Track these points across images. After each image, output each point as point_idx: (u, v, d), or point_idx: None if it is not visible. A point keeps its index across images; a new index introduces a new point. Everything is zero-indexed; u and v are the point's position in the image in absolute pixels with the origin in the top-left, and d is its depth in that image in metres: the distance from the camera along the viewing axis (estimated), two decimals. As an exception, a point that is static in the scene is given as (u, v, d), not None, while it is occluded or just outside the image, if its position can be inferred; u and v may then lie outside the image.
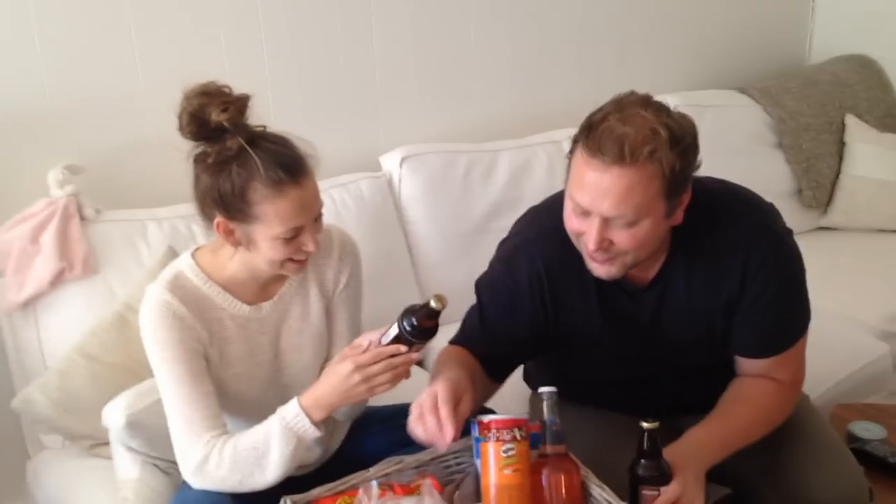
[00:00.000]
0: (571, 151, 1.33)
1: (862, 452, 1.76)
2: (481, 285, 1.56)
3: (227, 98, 1.38)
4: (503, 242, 1.56)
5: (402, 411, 1.62)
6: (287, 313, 1.58)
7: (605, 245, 1.31)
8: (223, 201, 1.39)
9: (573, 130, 1.33)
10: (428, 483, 1.21)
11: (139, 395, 1.63)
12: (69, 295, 1.87)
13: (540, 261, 1.47)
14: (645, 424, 1.30)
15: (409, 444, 1.54)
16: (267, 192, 1.36)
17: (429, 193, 2.31)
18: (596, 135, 1.24)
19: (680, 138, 1.24)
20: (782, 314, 1.46)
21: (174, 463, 1.64)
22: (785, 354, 1.50)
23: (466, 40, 2.57)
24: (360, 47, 2.40)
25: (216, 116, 1.35)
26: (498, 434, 1.28)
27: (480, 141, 2.50)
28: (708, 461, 1.40)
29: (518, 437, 1.29)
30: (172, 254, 1.89)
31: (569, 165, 1.34)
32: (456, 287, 1.86)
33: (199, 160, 1.40)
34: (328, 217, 2.12)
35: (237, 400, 1.55)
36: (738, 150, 2.86)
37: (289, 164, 1.37)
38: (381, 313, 2.16)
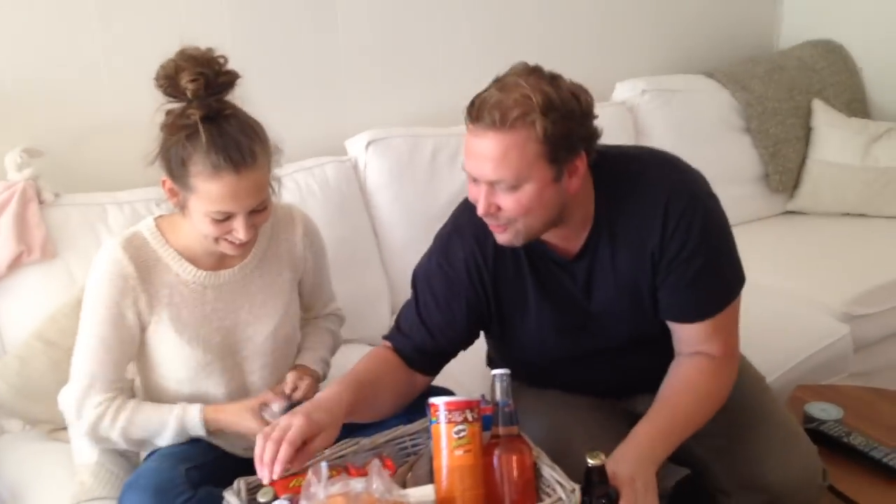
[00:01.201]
0: None
1: (818, 433, 1.79)
2: (417, 276, 1.58)
3: (204, 69, 1.40)
4: (438, 233, 1.58)
5: None
6: (249, 284, 1.60)
7: (492, 210, 1.36)
8: (169, 162, 1.43)
9: None
10: (377, 463, 1.21)
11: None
12: (28, 279, 1.86)
13: (474, 243, 1.50)
14: (590, 461, 1.28)
15: (369, 427, 1.57)
16: (204, 170, 1.39)
17: (394, 178, 2.30)
18: (476, 105, 1.31)
19: (557, 105, 1.28)
20: (704, 274, 1.45)
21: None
22: (715, 322, 1.48)
23: (433, 23, 2.56)
24: (326, 28, 2.38)
25: (184, 82, 1.38)
26: (449, 416, 1.29)
27: (449, 125, 2.49)
28: (656, 459, 1.40)
29: (470, 418, 1.29)
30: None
31: None
32: None
33: (165, 115, 1.44)
34: (294, 200, 2.14)
35: (195, 364, 1.57)
36: (705, 134, 2.87)
37: (232, 152, 1.38)
38: (347, 299, 2.19)
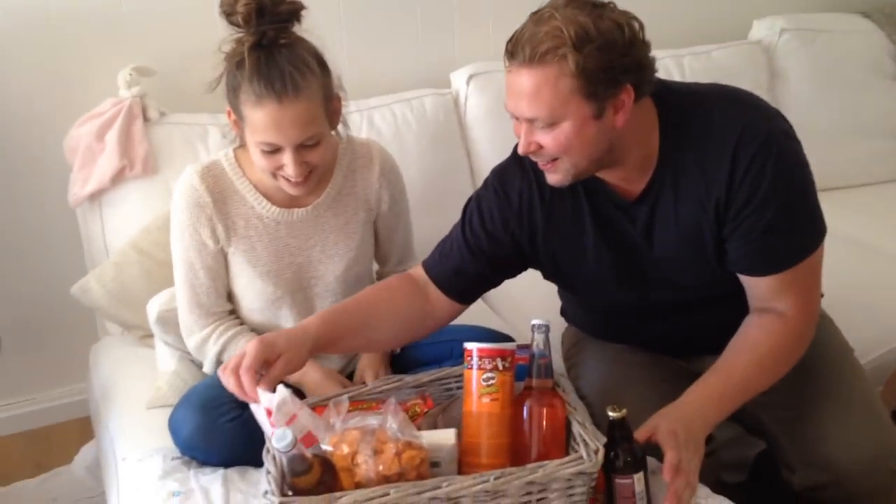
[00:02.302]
0: None
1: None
2: (470, 200, 1.54)
3: (258, 6, 1.37)
4: (499, 163, 1.53)
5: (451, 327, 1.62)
6: (324, 223, 1.61)
7: (533, 148, 1.31)
8: (228, 93, 1.45)
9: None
10: (392, 402, 1.21)
11: (174, 294, 1.71)
12: (130, 192, 1.97)
13: (533, 177, 1.44)
14: (611, 414, 1.23)
15: (425, 364, 1.58)
16: (248, 98, 1.40)
17: (494, 113, 2.24)
18: (513, 39, 1.26)
19: (594, 36, 1.20)
20: (777, 225, 1.33)
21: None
22: (789, 276, 1.36)
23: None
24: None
25: (239, 6, 1.38)
26: (480, 362, 1.27)
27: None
28: (706, 421, 1.32)
29: (500, 367, 1.26)
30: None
31: None
32: None
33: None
34: (389, 131, 2.14)
35: (266, 297, 1.61)
36: (852, 81, 2.62)
37: (275, 81, 1.37)
38: (437, 233, 2.17)
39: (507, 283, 2.15)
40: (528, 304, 1.89)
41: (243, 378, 1.24)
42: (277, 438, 1.09)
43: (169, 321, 1.69)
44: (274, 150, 1.42)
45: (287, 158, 1.42)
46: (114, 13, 2.05)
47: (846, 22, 2.72)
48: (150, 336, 1.87)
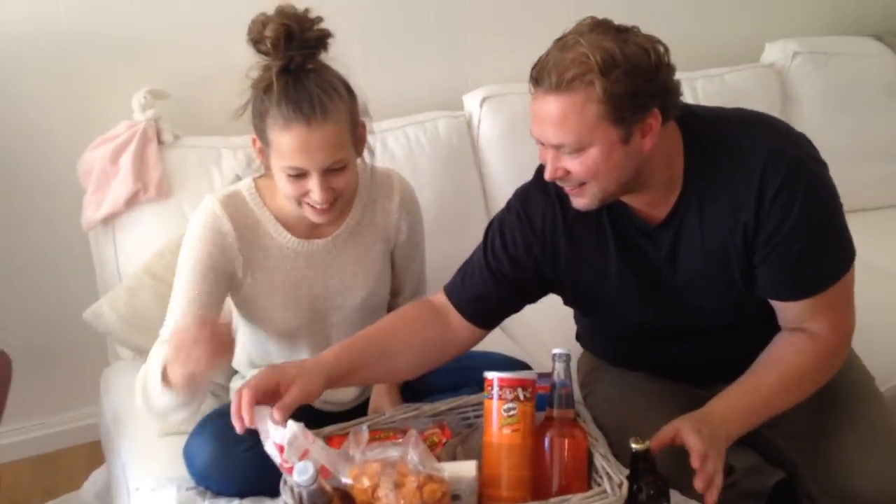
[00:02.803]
0: None
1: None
2: (491, 224, 1.52)
3: (290, 21, 1.39)
4: (521, 186, 1.52)
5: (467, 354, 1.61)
6: (343, 254, 1.60)
7: (560, 174, 1.31)
8: (253, 120, 1.44)
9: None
10: (413, 433, 1.19)
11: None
12: (144, 215, 1.95)
13: (556, 200, 1.43)
14: (633, 445, 1.21)
15: (444, 391, 1.56)
16: (276, 122, 1.38)
17: (507, 136, 2.24)
18: (539, 66, 1.26)
19: (620, 61, 1.20)
20: (809, 250, 1.32)
21: (222, 385, 1.73)
22: (821, 300, 1.35)
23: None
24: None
25: (267, 32, 1.38)
26: (501, 392, 1.26)
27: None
28: (728, 433, 1.31)
29: (521, 397, 1.25)
30: (238, 182, 1.93)
31: None
32: None
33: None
34: (402, 154, 2.13)
35: (282, 326, 1.60)
36: (864, 103, 2.61)
37: (304, 104, 1.36)
38: (450, 256, 2.16)
39: (524, 310, 2.16)
40: (544, 330, 1.89)
41: (242, 397, 1.22)
42: (299, 472, 1.07)
43: (184, 346, 1.67)
44: (300, 175, 1.41)
45: (313, 184, 1.40)
46: (128, 37, 2.05)
47: (858, 45, 2.72)
48: (163, 361, 1.86)
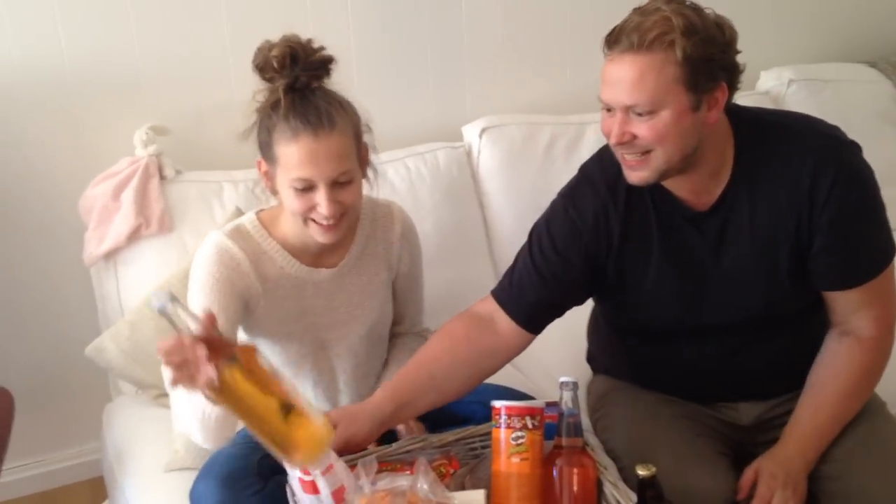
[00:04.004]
0: None
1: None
2: (535, 226, 1.53)
3: (294, 45, 1.43)
4: (561, 189, 1.54)
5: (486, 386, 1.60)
6: (348, 283, 1.61)
7: (626, 138, 1.31)
8: (260, 140, 1.46)
9: None
10: (423, 462, 1.19)
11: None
12: (146, 250, 1.95)
13: (606, 191, 1.45)
14: (640, 472, 1.21)
15: (450, 426, 1.55)
16: (283, 135, 1.40)
17: (507, 166, 2.26)
18: (615, 32, 1.29)
19: (699, 28, 1.25)
20: (865, 234, 1.38)
21: (225, 419, 1.71)
22: (870, 289, 1.40)
23: (560, 7, 2.48)
24: (449, 12, 2.35)
25: (272, 54, 1.41)
26: (509, 421, 1.26)
27: (572, 112, 2.41)
28: (807, 460, 1.39)
29: (530, 425, 1.25)
30: (239, 214, 1.94)
31: None
32: None
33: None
34: (402, 185, 2.14)
35: (289, 355, 1.60)
36: (860, 129, 2.51)
37: (311, 116, 1.40)
38: (452, 285, 2.17)
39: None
40: (549, 359, 1.88)
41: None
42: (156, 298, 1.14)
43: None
44: (308, 189, 1.42)
45: (321, 196, 1.42)
46: (129, 74, 2.07)
47: (853, 72, 2.75)
48: (165, 395, 1.85)
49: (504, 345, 1.49)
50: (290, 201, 1.45)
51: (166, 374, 1.17)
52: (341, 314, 1.61)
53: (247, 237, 1.54)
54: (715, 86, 1.29)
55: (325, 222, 1.45)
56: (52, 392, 2.25)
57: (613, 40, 1.29)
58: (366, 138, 1.53)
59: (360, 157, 1.50)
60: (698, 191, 1.41)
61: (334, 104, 1.44)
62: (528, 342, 1.51)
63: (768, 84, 2.67)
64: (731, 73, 1.31)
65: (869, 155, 2.31)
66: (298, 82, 1.43)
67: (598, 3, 2.48)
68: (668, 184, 1.40)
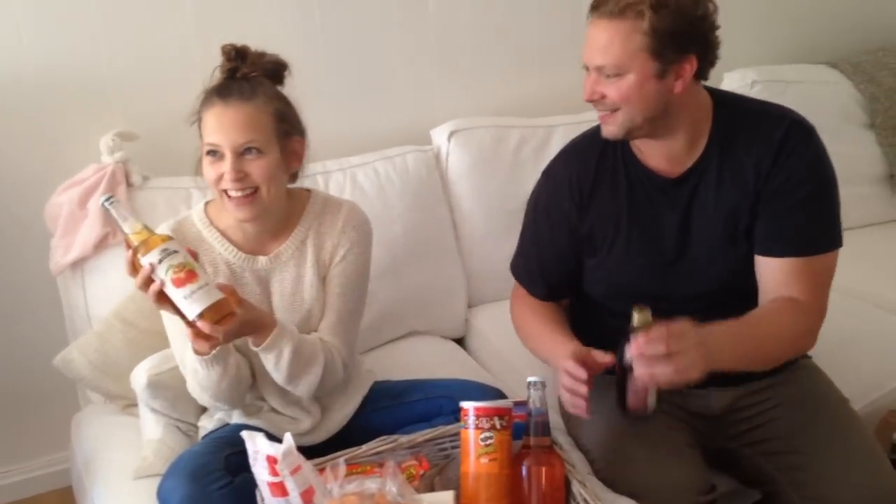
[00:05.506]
0: None
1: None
2: (528, 203, 1.75)
3: (249, 47, 1.53)
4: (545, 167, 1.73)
5: (411, 387, 1.64)
6: (284, 273, 1.61)
7: (596, 97, 1.45)
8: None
9: None
10: (391, 465, 1.19)
11: (164, 358, 1.69)
12: (113, 259, 1.92)
13: (576, 163, 1.63)
14: (636, 313, 1.30)
15: (415, 422, 1.56)
16: (204, 105, 1.49)
17: (476, 169, 2.26)
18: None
19: (669, 3, 1.36)
20: (807, 204, 1.47)
21: (194, 425, 1.72)
22: (805, 264, 1.47)
23: (528, 10, 2.49)
24: (416, 15, 2.36)
25: (225, 47, 1.53)
26: (478, 422, 1.27)
27: (540, 115, 2.43)
28: (716, 352, 1.35)
29: (498, 426, 1.26)
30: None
31: None
32: (501, 265, 1.86)
33: None
34: (372, 189, 2.14)
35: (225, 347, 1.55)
36: (824, 129, 2.50)
37: (232, 90, 1.47)
38: (422, 288, 2.18)
39: (495, 338, 2.17)
40: (517, 357, 1.88)
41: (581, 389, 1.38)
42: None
43: (159, 385, 1.66)
44: (217, 157, 1.47)
45: (226, 164, 1.46)
46: (95, 79, 2.05)
47: (815, 72, 2.79)
48: (134, 405, 1.84)
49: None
50: (205, 171, 1.50)
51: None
52: (275, 302, 1.60)
53: (188, 229, 1.60)
54: (682, 57, 1.40)
55: (233, 193, 1.48)
56: (20, 402, 2.23)
57: (595, 5, 1.42)
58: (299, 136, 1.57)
59: (280, 136, 1.51)
60: (671, 159, 1.52)
61: (256, 85, 1.49)
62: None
63: (732, 85, 2.69)
64: (702, 47, 1.42)
65: (834, 155, 2.36)
66: (240, 71, 1.50)
67: (564, 7, 2.51)
68: (643, 151, 1.52)
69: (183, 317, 1.34)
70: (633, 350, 1.26)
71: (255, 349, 1.48)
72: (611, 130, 1.48)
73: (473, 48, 2.45)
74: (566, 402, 1.42)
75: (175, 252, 1.32)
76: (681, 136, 1.49)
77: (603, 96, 1.44)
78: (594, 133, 1.61)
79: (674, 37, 1.37)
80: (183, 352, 1.52)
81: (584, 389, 1.38)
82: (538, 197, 1.71)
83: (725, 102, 1.54)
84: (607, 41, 1.39)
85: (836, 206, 1.52)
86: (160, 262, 1.31)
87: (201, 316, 1.30)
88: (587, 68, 1.46)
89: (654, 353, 1.25)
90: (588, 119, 2.39)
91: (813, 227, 1.49)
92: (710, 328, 1.35)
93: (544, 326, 1.65)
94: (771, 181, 1.47)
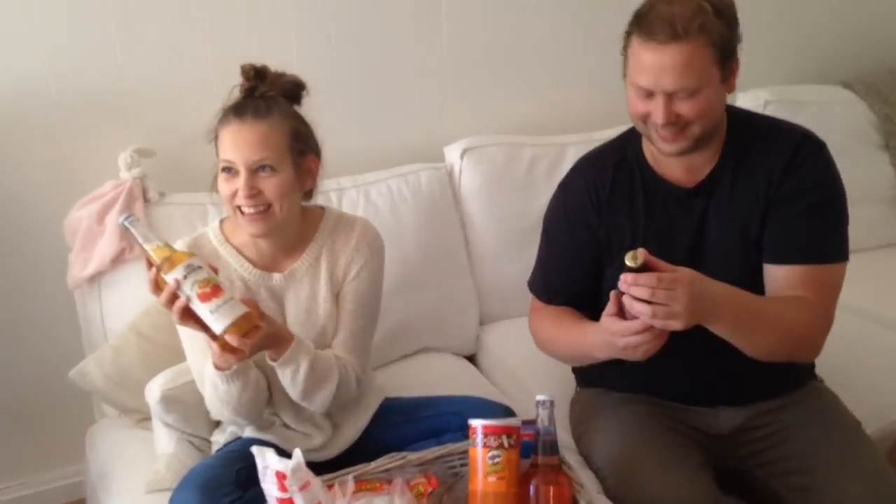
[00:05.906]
0: (626, 47, 1.47)
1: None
2: (545, 219, 1.75)
3: (268, 67, 1.56)
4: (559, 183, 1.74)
5: (421, 404, 1.65)
6: (298, 289, 1.62)
7: (673, 119, 1.43)
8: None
9: None
10: (399, 482, 1.20)
11: (178, 373, 1.71)
12: (130, 274, 1.96)
13: (593, 172, 1.64)
14: (628, 262, 1.29)
15: (425, 438, 1.57)
16: (221, 123, 1.52)
17: (488, 187, 2.28)
18: (647, 21, 1.40)
19: (723, 9, 1.40)
20: (816, 220, 1.50)
21: (207, 440, 1.73)
22: (813, 272, 1.47)
23: (541, 29, 2.51)
24: (430, 34, 2.38)
25: (245, 66, 1.55)
26: (485, 440, 1.27)
27: (552, 134, 2.44)
28: (721, 308, 1.36)
29: (506, 444, 1.27)
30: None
31: (625, 59, 1.49)
32: (512, 282, 1.87)
33: None
34: (385, 206, 2.16)
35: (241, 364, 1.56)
36: (838, 150, 2.53)
37: (242, 106, 1.50)
38: (435, 308, 2.19)
39: (507, 356, 2.17)
40: (526, 375, 1.90)
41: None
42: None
43: (172, 400, 1.68)
44: (232, 173, 1.49)
45: (240, 181, 1.48)
46: (114, 96, 2.09)
47: (828, 93, 2.79)
48: (148, 419, 1.86)
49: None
50: (220, 187, 1.52)
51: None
52: (290, 319, 1.61)
53: (204, 245, 1.62)
54: (734, 59, 1.44)
55: (246, 209, 1.50)
56: (35, 414, 2.25)
57: (649, 31, 1.39)
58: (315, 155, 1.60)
59: (295, 156, 1.53)
60: (689, 169, 1.54)
61: (272, 103, 1.51)
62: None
63: (745, 105, 2.67)
64: (739, 45, 1.46)
65: (848, 175, 2.37)
66: (258, 91, 1.52)
67: (577, 26, 2.53)
68: (660, 161, 1.55)
69: (208, 332, 1.35)
70: (621, 285, 1.30)
71: (272, 363, 1.49)
72: (680, 147, 1.46)
73: (486, 68, 2.48)
74: (643, 351, 1.37)
75: (199, 268, 1.34)
76: (715, 137, 1.52)
77: (678, 116, 1.43)
78: (608, 146, 1.66)
79: (731, 41, 1.42)
80: (201, 367, 1.53)
81: (637, 325, 1.33)
82: (557, 209, 1.71)
83: (738, 116, 1.58)
84: (683, 64, 1.37)
85: (845, 219, 1.53)
86: (185, 277, 1.32)
87: (228, 329, 1.32)
88: (648, 93, 1.43)
89: (637, 295, 1.29)
90: (600, 138, 2.42)
91: (820, 236, 1.50)
92: (718, 286, 1.39)
93: (568, 322, 1.64)
94: (781, 189, 1.49)
